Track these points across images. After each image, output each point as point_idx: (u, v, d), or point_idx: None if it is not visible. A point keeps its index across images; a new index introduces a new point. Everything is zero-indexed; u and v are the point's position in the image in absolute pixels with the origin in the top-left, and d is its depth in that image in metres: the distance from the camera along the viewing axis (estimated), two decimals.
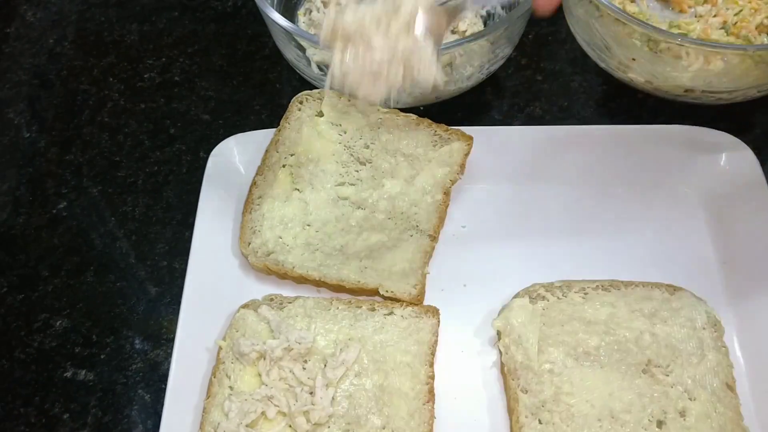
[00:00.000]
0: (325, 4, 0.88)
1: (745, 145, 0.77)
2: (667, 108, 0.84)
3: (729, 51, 0.74)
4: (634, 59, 0.80)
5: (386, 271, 0.70)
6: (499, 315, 0.69)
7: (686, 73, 0.77)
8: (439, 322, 0.68)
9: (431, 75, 0.58)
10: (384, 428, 0.63)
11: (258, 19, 0.84)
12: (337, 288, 0.70)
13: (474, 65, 0.80)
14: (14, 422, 0.68)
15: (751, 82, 0.77)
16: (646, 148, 0.78)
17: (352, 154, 0.77)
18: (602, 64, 0.85)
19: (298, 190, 0.75)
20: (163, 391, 0.65)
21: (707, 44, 0.74)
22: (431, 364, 0.66)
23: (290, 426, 0.63)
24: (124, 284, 0.75)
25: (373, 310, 0.69)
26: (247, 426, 0.62)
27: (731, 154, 0.77)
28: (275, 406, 0.63)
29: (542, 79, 0.89)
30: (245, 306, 0.69)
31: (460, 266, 0.74)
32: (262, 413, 0.63)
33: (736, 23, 0.81)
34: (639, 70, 0.81)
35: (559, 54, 0.91)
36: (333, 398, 0.64)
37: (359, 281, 0.70)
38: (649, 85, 0.82)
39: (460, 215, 0.76)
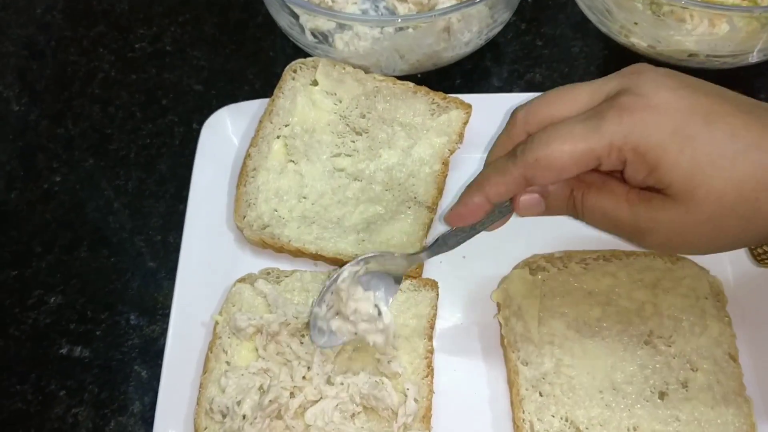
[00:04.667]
0: None
1: None
2: None
3: (735, 13, 0.72)
4: (636, 23, 0.78)
5: (384, 243, 0.69)
6: (498, 287, 0.68)
7: (690, 37, 0.75)
8: (438, 295, 0.67)
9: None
10: None
11: None
12: (334, 261, 0.69)
13: (472, 31, 0.79)
14: (11, 399, 0.67)
15: (757, 45, 0.75)
16: None
17: (347, 124, 0.76)
18: (603, 29, 0.83)
19: (293, 161, 0.74)
20: (160, 366, 0.65)
21: (712, 6, 0.72)
22: (430, 338, 0.65)
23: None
24: (118, 259, 0.75)
25: None
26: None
27: None
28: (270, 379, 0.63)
29: (542, 45, 0.88)
30: (241, 280, 0.69)
31: None
32: (260, 387, 0.63)
33: None
34: (641, 35, 0.79)
35: (559, 18, 0.89)
36: (330, 374, 0.63)
37: (357, 254, 0.68)
38: (652, 50, 0.80)
39: (459, 186, 0.75)
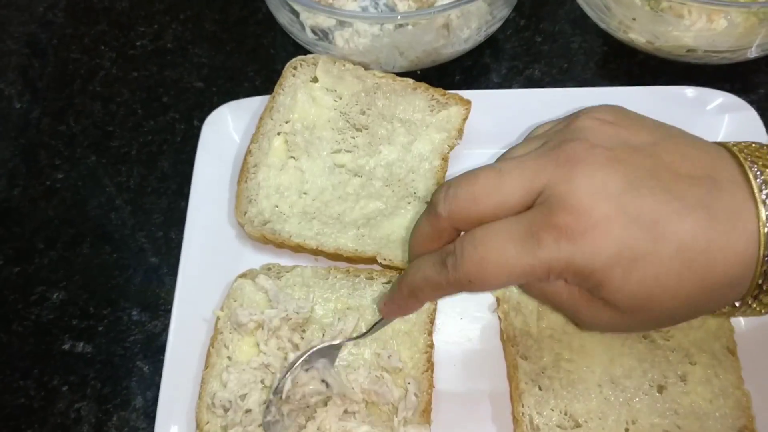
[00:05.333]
0: None
1: (749, 106, 0.75)
2: (668, 69, 0.83)
3: (733, 9, 0.72)
4: (634, 19, 0.78)
5: (384, 239, 0.70)
6: None
7: (688, 33, 0.76)
8: None
9: None
10: None
11: None
12: (335, 257, 0.70)
13: (471, 27, 0.79)
14: (14, 395, 0.68)
15: (755, 40, 0.75)
16: (647, 110, 0.75)
17: (348, 121, 0.76)
18: (602, 25, 0.83)
19: (294, 158, 0.74)
20: (162, 362, 0.65)
21: (710, 2, 0.72)
22: (430, 333, 0.65)
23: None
24: (120, 255, 0.75)
25: (372, 278, 0.68)
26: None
27: (734, 115, 0.75)
28: (272, 374, 0.63)
29: (541, 41, 0.88)
30: (242, 276, 0.69)
31: None
32: (261, 382, 0.63)
33: None
34: (640, 30, 0.79)
35: (558, 15, 0.90)
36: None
37: (357, 250, 0.69)
38: (651, 45, 0.80)
39: None
